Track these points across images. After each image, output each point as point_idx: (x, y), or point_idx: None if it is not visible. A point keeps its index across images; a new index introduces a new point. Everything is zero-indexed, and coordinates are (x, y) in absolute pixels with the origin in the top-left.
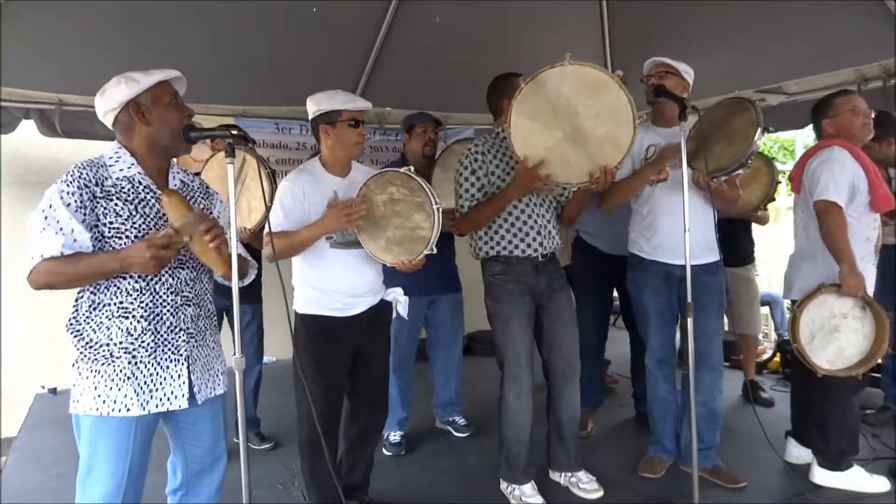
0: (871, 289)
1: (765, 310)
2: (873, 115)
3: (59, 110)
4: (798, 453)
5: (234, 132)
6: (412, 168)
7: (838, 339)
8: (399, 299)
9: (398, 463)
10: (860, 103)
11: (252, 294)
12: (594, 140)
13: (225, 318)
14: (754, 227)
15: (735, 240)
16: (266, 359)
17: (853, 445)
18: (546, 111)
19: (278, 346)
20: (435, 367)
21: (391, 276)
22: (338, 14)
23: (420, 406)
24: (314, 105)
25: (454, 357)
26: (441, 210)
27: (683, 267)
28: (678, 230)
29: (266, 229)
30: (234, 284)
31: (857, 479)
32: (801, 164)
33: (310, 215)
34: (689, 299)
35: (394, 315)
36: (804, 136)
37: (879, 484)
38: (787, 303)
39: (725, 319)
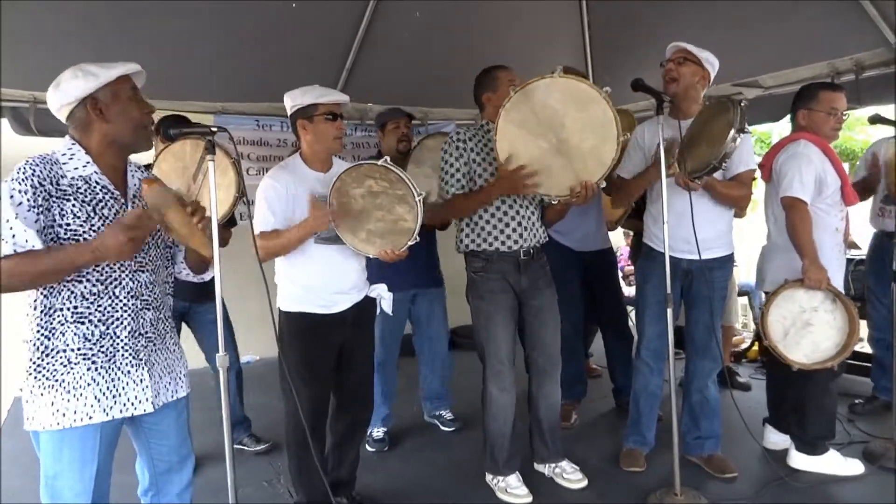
0: (840, 278)
1: (743, 300)
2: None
3: (33, 108)
4: (775, 439)
5: (215, 129)
6: (388, 159)
7: (812, 332)
8: (383, 295)
9: (384, 458)
10: (840, 105)
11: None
12: (578, 154)
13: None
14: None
15: None
16: (249, 357)
17: (830, 430)
18: (533, 121)
19: (262, 345)
20: (422, 361)
21: (373, 272)
22: (318, 9)
23: (405, 401)
24: (290, 101)
25: (440, 351)
26: (423, 201)
27: (690, 261)
28: (685, 223)
29: (253, 231)
30: (217, 278)
31: (832, 462)
32: (773, 154)
33: (294, 212)
34: (668, 290)
35: (378, 311)
36: (780, 129)
37: (853, 467)
38: (762, 294)
39: None
